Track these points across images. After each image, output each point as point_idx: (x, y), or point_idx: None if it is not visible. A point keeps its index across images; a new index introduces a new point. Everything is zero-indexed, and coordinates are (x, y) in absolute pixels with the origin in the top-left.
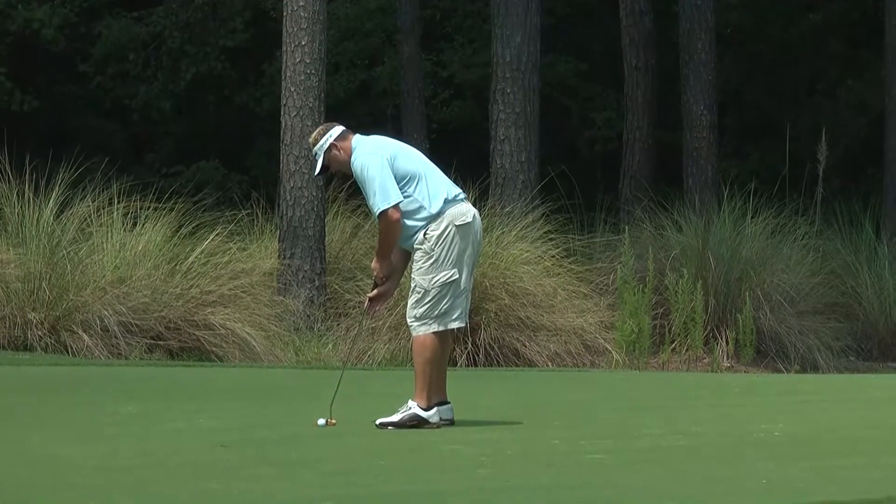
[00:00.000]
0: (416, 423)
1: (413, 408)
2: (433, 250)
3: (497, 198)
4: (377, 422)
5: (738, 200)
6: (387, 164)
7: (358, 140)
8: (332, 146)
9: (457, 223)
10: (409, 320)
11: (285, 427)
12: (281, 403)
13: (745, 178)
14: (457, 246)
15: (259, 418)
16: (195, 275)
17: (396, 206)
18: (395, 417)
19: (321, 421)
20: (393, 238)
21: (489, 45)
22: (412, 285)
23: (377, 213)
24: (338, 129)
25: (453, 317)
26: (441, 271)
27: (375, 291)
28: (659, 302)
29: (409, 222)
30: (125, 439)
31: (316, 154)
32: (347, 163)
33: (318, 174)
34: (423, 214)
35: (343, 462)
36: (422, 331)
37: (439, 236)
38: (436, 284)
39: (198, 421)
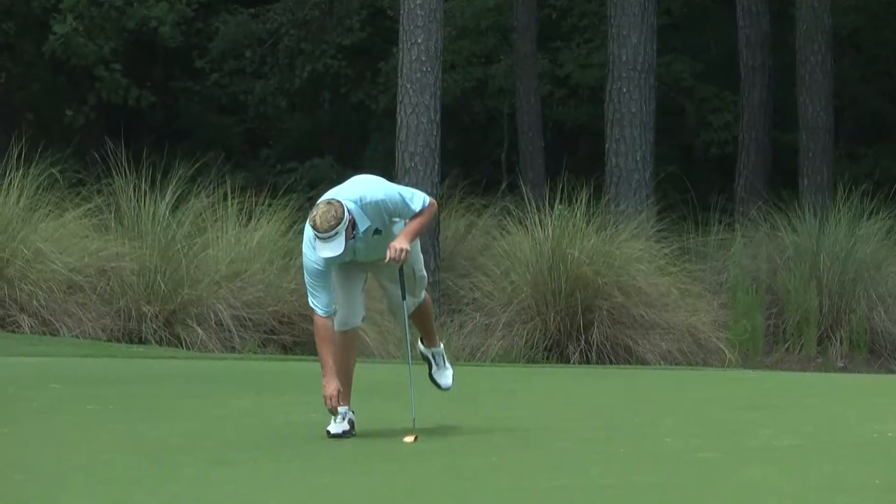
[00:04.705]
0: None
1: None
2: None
3: (611, 196)
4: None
5: (854, 201)
6: None
7: (347, 193)
8: (350, 222)
9: None
10: (418, 299)
11: (397, 422)
12: (393, 399)
13: (860, 179)
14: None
15: (371, 413)
16: None
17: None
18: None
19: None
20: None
21: (605, 44)
22: (416, 276)
23: (425, 205)
24: (342, 208)
25: None
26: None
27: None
28: (773, 301)
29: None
30: (238, 433)
31: (337, 234)
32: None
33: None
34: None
35: (453, 458)
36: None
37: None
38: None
39: (310, 415)
